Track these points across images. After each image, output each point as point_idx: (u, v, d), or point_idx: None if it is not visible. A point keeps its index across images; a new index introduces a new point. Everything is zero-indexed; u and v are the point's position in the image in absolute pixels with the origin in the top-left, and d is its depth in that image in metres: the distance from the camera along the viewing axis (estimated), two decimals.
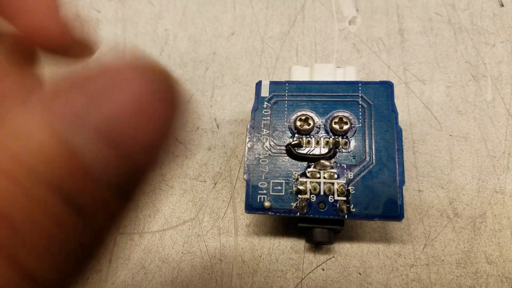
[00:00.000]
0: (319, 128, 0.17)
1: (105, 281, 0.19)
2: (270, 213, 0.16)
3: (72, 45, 0.14)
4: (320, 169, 0.16)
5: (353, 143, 0.16)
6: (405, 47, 0.22)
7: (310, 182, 0.16)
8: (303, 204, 0.15)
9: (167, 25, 0.24)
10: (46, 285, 0.07)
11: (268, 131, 0.17)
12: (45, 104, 0.08)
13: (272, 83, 0.17)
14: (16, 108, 0.08)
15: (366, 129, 0.16)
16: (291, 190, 0.16)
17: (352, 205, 0.15)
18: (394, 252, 0.18)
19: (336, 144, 0.16)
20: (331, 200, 0.15)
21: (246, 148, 0.16)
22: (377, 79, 0.21)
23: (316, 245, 0.18)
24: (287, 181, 0.16)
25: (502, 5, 0.22)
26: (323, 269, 0.18)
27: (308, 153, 0.16)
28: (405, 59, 0.22)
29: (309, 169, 0.16)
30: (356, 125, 0.16)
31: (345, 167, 0.16)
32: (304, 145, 0.16)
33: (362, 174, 0.16)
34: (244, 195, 0.16)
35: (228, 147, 0.21)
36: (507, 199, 0.18)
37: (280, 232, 0.19)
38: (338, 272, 0.18)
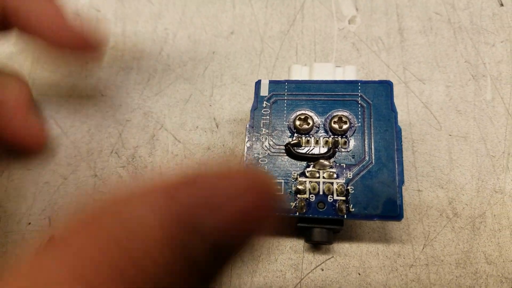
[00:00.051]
0: (318, 127, 0.17)
1: None
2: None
3: (84, 43, 0.18)
4: (319, 169, 0.16)
5: (352, 143, 0.16)
6: (404, 47, 0.22)
7: (309, 181, 0.16)
8: (302, 204, 0.15)
9: (167, 24, 0.24)
10: None
11: (267, 131, 0.17)
12: (161, 202, 0.08)
13: (272, 82, 0.17)
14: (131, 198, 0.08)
15: (365, 128, 0.16)
16: (290, 190, 0.16)
17: (351, 205, 0.15)
18: (393, 252, 0.18)
19: (335, 144, 0.16)
20: (330, 200, 0.15)
21: (245, 147, 0.16)
22: (377, 79, 0.21)
23: (315, 245, 0.18)
24: (286, 180, 0.16)
25: (501, 5, 0.22)
26: (322, 269, 0.18)
27: (307, 152, 0.16)
28: (404, 58, 0.22)
29: (308, 169, 0.16)
30: (356, 125, 0.16)
31: (344, 166, 0.16)
32: (303, 145, 0.16)
33: (362, 173, 0.16)
34: None
35: (228, 146, 0.21)
36: (506, 199, 0.18)
37: (279, 232, 0.19)
38: (337, 272, 0.18)
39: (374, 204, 0.15)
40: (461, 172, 0.19)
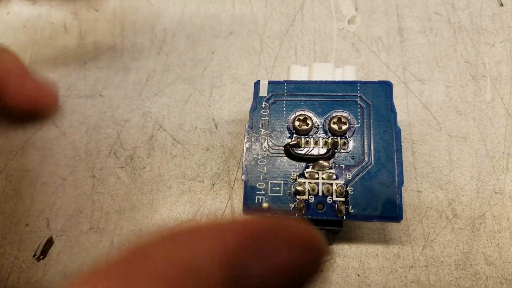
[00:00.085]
0: (317, 128, 0.17)
1: None
2: (268, 214, 0.15)
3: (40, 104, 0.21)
4: (318, 170, 0.16)
5: (351, 144, 0.16)
6: (404, 47, 0.22)
7: (309, 182, 0.16)
8: (302, 205, 0.15)
9: (166, 24, 0.24)
10: None
11: (266, 131, 0.17)
12: (217, 247, 0.08)
13: (271, 83, 0.17)
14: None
15: (365, 129, 0.16)
16: (289, 191, 0.16)
17: (350, 206, 0.15)
18: (393, 254, 0.18)
19: (334, 145, 0.16)
20: (330, 201, 0.15)
21: (244, 148, 0.16)
22: (376, 79, 0.21)
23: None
24: (285, 181, 0.16)
25: (501, 5, 0.22)
26: (322, 271, 0.18)
27: (306, 153, 0.16)
28: (404, 58, 0.22)
29: (307, 170, 0.16)
30: (355, 125, 0.16)
31: (343, 167, 0.16)
32: (302, 146, 0.16)
33: (361, 174, 0.16)
34: (242, 196, 0.16)
35: (227, 147, 0.21)
36: (506, 199, 0.18)
37: None
38: (336, 274, 0.18)
39: (373, 205, 0.15)
40: (460, 173, 0.19)
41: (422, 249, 0.18)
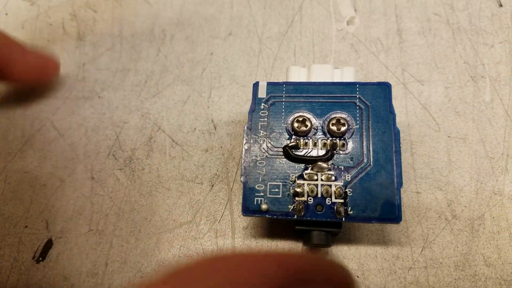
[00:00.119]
0: (316, 129, 0.16)
1: (101, 285, 0.18)
2: (267, 215, 0.15)
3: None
4: (317, 171, 0.16)
5: (350, 145, 0.16)
6: (403, 48, 0.22)
7: (308, 184, 0.16)
8: (300, 206, 0.15)
9: (164, 25, 0.24)
10: None
11: (265, 133, 0.17)
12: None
13: (270, 84, 0.17)
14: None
15: (363, 130, 0.16)
16: (288, 193, 0.16)
17: (349, 208, 0.15)
18: (392, 255, 0.18)
19: (333, 146, 0.16)
20: (329, 202, 0.15)
21: (243, 149, 0.16)
22: (375, 80, 0.21)
23: (314, 248, 0.18)
24: (284, 183, 0.16)
25: (500, 5, 0.22)
26: None
27: (305, 155, 0.16)
28: (403, 59, 0.22)
29: (306, 171, 0.16)
30: (354, 127, 0.16)
31: (342, 169, 0.16)
32: (301, 147, 0.16)
33: (360, 176, 0.15)
34: (241, 198, 0.16)
35: (225, 148, 0.21)
36: (505, 200, 0.18)
37: (277, 235, 0.19)
38: None
39: (372, 206, 0.15)
40: (460, 174, 0.19)
41: (421, 250, 0.18)
